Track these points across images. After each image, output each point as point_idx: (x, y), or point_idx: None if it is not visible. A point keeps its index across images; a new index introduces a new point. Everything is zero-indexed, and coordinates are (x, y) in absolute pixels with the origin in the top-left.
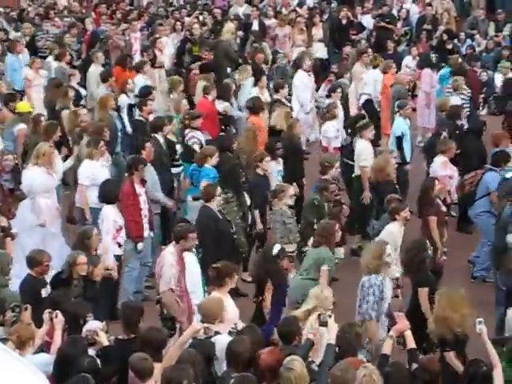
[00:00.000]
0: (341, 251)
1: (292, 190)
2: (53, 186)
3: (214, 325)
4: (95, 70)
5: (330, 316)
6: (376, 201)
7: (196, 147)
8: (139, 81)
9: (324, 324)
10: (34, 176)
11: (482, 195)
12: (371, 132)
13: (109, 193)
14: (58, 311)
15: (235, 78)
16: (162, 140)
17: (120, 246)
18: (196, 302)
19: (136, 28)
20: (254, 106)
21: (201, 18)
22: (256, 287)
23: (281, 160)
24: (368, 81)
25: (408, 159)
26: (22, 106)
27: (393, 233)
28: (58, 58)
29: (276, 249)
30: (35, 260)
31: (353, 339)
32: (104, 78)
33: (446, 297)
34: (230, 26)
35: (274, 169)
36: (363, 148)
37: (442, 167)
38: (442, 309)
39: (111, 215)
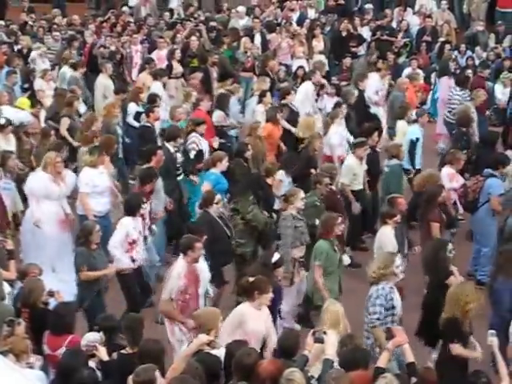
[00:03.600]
0: (345, 258)
1: (302, 193)
2: (56, 195)
3: (210, 336)
4: (103, 81)
5: (325, 332)
6: None
7: (192, 153)
8: (156, 88)
9: (319, 341)
10: (36, 179)
11: (484, 202)
12: (365, 152)
13: (134, 205)
14: None
15: (252, 87)
16: (172, 149)
17: (134, 261)
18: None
19: (137, 41)
20: (272, 116)
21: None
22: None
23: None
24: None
25: (418, 165)
26: (23, 102)
27: (386, 235)
28: (74, 68)
29: (275, 257)
30: (23, 272)
31: (353, 353)
32: (117, 91)
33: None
34: (245, 40)
35: (286, 179)
36: (350, 166)
37: (448, 179)
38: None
39: (127, 226)
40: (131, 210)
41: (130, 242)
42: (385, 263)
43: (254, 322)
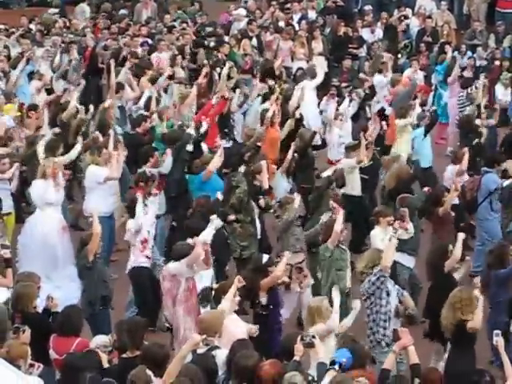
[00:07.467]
0: None
1: (298, 200)
2: (59, 201)
3: (215, 338)
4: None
5: (313, 337)
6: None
7: None
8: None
9: (309, 345)
10: (43, 187)
11: (483, 198)
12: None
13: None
14: None
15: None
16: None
17: (148, 258)
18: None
19: (137, 43)
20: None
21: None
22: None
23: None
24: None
25: (428, 164)
26: (8, 107)
27: (374, 236)
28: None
29: (265, 259)
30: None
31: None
32: (116, 89)
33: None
34: (244, 42)
35: (284, 185)
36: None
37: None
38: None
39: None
40: (132, 211)
41: (142, 241)
42: (372, 261)
43: (231, 324)
